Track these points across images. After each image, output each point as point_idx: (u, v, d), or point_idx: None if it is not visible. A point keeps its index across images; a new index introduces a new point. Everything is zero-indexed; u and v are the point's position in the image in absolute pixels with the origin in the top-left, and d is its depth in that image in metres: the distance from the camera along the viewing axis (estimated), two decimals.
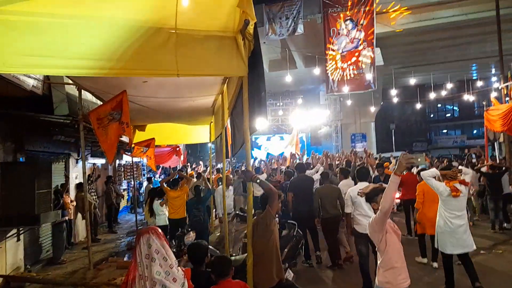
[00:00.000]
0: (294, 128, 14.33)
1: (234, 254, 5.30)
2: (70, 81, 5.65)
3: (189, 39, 3.06)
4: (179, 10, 2.96)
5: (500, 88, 11.92)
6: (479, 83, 22.96)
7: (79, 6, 2.89)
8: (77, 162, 9.52)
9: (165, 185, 7.60)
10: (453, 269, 5.10)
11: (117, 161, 13.56)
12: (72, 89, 6.52)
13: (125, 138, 7.54)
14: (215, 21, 3.09)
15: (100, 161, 11.49)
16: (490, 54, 18.79)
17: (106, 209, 11.39)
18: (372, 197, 3.34)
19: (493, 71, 24.48)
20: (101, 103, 5.94)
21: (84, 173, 5.95)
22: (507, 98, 11.07)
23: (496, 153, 13.22)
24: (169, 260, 2.36)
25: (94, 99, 6.87)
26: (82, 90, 5.70)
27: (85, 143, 9.33)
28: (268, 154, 19.77)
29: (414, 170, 8.23)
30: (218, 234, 9.45)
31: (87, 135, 7.40)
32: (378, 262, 3.23)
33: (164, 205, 7.42)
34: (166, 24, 3.01)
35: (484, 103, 11.37)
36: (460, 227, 4.86)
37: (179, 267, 2.43)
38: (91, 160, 10.81)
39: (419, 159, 3.37)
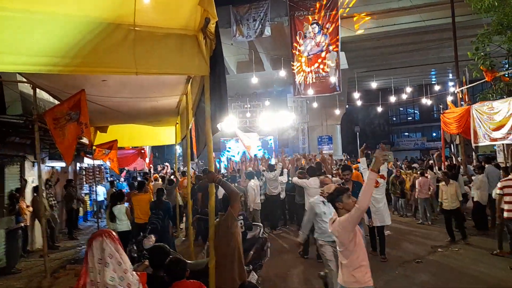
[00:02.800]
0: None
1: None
2: (24, 79, 5.35)
3: (149, 36, 2.98)
4: (138, 7, 2.87)
5: (456, 92, 12.54)
6: (437, 87, 24.10)
7: (31, 2, 2.74)
8: (33, 165, 9.05)
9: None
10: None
11: (78, 164, 13.03)
12: (26, 88, 6.19)
13: (85, 140, 7.26)
14: (176, 19, 3.03)
15: (59, 164, 10.99)
16: (447, 59, 19.78)
17: (66, 215, 10.89)
18: (336, 197, 3.27)
19: (450, 76, 25.76)
20: (59, 102, 5.68)
21: (39, 176, 5.65)
22: (462, 102, 11.66)
23: (453, 154, 13.89)
24: (124, 264, 2.26)
25: (51, 99, 6.55)
26: (38, 89, 5.42)
27: (43, 145, 8.95)
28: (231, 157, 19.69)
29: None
30: (184, 238, 9.30)
31: (44, 136, 7.05)
32: (343, 262, 3.20)
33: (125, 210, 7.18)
34: (124, 21, 2.91)
35: (441, 106, 11.89)
36: (379, 207, 6.65)
37: (134, 272, 2.34)
38: (50, 163, 10.32)
39: (389, 156, 3.48)
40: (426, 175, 10.18)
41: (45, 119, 5.19)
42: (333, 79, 17.59)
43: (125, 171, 15.44)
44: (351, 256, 3.14)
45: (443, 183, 8.23)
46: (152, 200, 7.38)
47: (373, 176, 3.00)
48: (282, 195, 10.02)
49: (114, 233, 2.37)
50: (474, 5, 10.05)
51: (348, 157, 12.90)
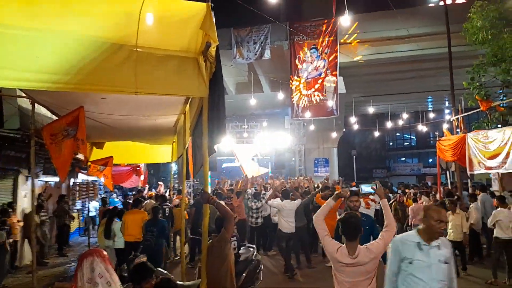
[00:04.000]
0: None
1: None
2: (23, 94, 5.38)
3: (150, 57, 3.03)
4: (140, 28, 2.94)
5: (452, 120, 12.69)
6: (433, 115, 24.38)
7: (35, 19, 2.81)
8: (27, 179, 8.97)
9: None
10: None
11: (72, 180, 12.93)
12: (25, 103, 6.22)
13: (81, 156, 7.24)
14: (177, 41, 3.09)
15: (53, 179, 10.91)
16: (444, 87, 20.06)
17: (56, 230, 10.72)
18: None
19: (447, 103, 26.09)
20: (56, 118, 5.69)
21: (32, 191, 5.59)
22: (458, 130, 11.78)
23: (449, 181, 13.91)
24: (113, 284, 2.24)
25: (49, 114, 6.57)
26: (36, 104, 5.44)
27: (38, 160, 8.90)
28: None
29: None
30: (177, 258, 9.15)
31: (40, 151, 7.04)
32: None
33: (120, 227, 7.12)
34: (127, 41, 2.97)
35: (436, 133, 12.00)
36: None
37: None
38: (44, 178, 10.24)
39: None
40: (419, 201, 10.15)
41: (42, 134, 5.19)
42: (331, 103, 17.78)
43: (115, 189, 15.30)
44: (373, 280, 3.07)
45: (449, 212, 7.60)
46: (147, 219, 7.28)
47: (385, 203, 3.45)
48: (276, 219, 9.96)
49: (105, 253, 2.35)
50: (469, 37, 10.31)
51: (343, 179, 13.02)
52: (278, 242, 8.09)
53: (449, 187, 13.14)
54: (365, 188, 3.81)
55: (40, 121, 6.36)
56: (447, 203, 8.15)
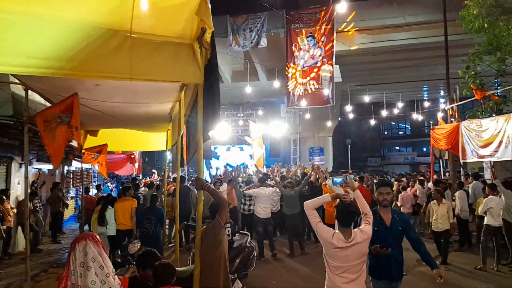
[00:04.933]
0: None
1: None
2: (17, 80, 5.31)
3: (145, 43, 3.00)
4: (135, 14, 2.90)
5: (446, 109, 12.75)
6: (428, 103, 24.45)
7: (28, 4, 2.75)
8: (20, 167, 8.93)
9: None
10: None
11: (66, 167, 12.88)
12: (18, 89, 6.14)
13: (75, 143, 7.20)
14: (172, 27, 3.06)
15: (47, 167, 10.86)
16: (440, 77, 20.08)
17: (50, 218, 10.72)
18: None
19: (442, 93, 26.16)
20: (50, 105, 5.64)
21: (26, 177, 5.57)
22: (452, 119, 11.85)
23: (442, 170, 14.06)
24: (106, 268, 2.25)
25: (42, 101, 6.50)
26: (30, 91, 5.38)
27: (31, 147, 8.84)
28: (227, 164, 19.68)
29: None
30: (172, 245, 9.21)
31: (33, 138, 6.99)
32: (357, 277, 3.16)
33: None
34: (121, 27, 2.94)
35: (431, 122, 12.07)
36: None
37: (116, 276, 2.32)
38: (37, 165, 10.19)
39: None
40: (413, 189, 10.28)
41: (36, 121, 5.14)
42: (327, 92, 17.75)
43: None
44: (364, 265, 3.19)
45: (435, 201, 7.53)
46: (136, 206, 7.26)
47: (358, 194, 3.49)
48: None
49: (98, 237, 2.36)
50: (465, 25, 10.29)
51: (326, 167, 13.16)
52: (255, 227, 8.33)
53: (441, 176, 13.32)
54: (337, 179, 4.20)
55: (34, 108, 6.30)
56: (432, 192, 8.12)
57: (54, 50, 2.83)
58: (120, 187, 11.40)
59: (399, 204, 10.14)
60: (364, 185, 10.10)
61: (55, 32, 2.84)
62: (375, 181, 13.02)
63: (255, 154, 13.99)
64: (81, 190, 10.72)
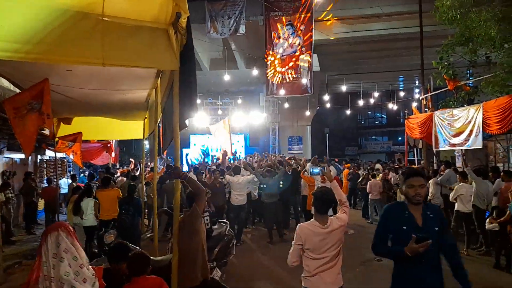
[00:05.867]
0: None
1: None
2: None
3: (118, 28, 2.90)
4: None
5: (420, 99, 13.07)
6: (403, 93, 24.95)
7: None
8: None
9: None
10: None
11: (39, 157, 12.50)
12: None
13: (47, 131, 6.98)
14: (146, 11, 2.97)
15: (18, 156, 10.51)
16: (415, 67, 20.50)
17: (24, 209, 10.41)
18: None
19: (417, 83, 26.74)
20: (20, 91, 5.43)
21: None
22: (426, 108, 12.17)
23: (416, 158, 14.46)
24: (80, 259, 2.21)
25: (11, 87, 6.26)
26: None
27: (1, 135, 8.52)
28: (203, 151, 19.62)
29: None
30: (150, 234, 9.13)
31: (3, 126, 6.75)
32: (334, 264, 3.20)
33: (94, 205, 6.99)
34: (92, 10, 2.83)
35: (406, 111, 12.36)
36: None
37: (90, 266, 2.29)
38: (8, 154, 9.85)
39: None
40: (388, 177, 10.57)
41: (5, 108, 4.95)
42: (305, 81, 17.83)
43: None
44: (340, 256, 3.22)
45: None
46: (121, 196, 7.17)
47: (335, 185, 3.59)
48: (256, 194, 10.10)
49: (70, 227, 2.31)
50: (439, 16, 10.49)
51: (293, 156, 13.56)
52: (228, 213, 8.46)
53: (415, 164, 13.70)
54: (315, 170, 4.40)
55: (2, 94, 6.05)
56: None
57: (22, 33, 2.72)
58: (91, 177, 11.14)
59: (367, 190, 10.59)
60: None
61: (22, 14, 2.72)
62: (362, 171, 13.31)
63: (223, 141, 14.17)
64: (55, 180, 10.46)
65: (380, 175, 11.34)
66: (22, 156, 10.51)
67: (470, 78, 12.01)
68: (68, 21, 2.77)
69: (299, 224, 3.27)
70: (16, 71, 4.73)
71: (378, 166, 14.69)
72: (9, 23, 2.69)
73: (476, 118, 8.02)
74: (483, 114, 7.76)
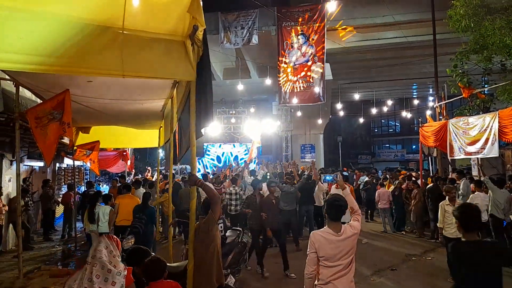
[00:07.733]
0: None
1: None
2: (7, 77, 5.30)
3: (137, 40, 3.03)
4: (127, 10, 2.93)
5: (435, 107, 12.95)
6: (417, 101, 24.73)
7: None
8: (11, 164, 8.86)
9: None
10: None
11: (57, 164, 12.80)
12: (9, 85, 6.10)
13: (66, 140, 7.18)
14: (164, 24, 3.10)
15: (38, 164, 10.78)
16: (428, 75, 20.36)
17: (42, 215, 10.66)
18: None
19: (431, 91, 26.49)
20: (41, 101, 5.63)
21: (18, 175, 5.57)
22: (441, 117, 12.04)
23: (431, 167, 14.28)
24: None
25: (33, 97, 6.49)
26: (20, 87, 5.37)
27: (22, 144, 8.77)
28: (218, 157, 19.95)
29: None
30: (165, 241, 9.23)
31: (24, 135, 6.96)
32: (347, 272, 3.19)
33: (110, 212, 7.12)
34: (113, 24, 2.96)
35: (420, 119, 12.26)
36: None
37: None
38: (28, 162, 10.11)
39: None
40: (404, 186, 10.49)
41: (27, 118, 5.14)
42: (318, 89, 17.87)
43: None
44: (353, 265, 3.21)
45: (447, 202, 6.39)
46: (139, 203, 7.29)
47: (347, 193, 3.58)
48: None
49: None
50: (452, 25, 10.44)
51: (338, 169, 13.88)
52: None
53: (430, 173, 13.52)
54: (328, 177, 4.44)
55: (25, 104, 6.26)
56: (445, 190, 6.94)
57: (45, 46, 2.85)
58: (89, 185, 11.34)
59: (376, 200, 10.58)
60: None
61: (46, 28, 2.85)
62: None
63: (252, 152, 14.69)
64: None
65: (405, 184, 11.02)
66: (41, 164, 10.79)
67: (485, 85, 11.87)
68: (90, 34, 2.91)
69: (312, 232, 3.28)
70: (38, 82, 4.92)
71: (364, 178, 14.33)
72: (33, 37, 2.83)
73: (492, 126, 7.91)
74: (499, 122, 7.65)
